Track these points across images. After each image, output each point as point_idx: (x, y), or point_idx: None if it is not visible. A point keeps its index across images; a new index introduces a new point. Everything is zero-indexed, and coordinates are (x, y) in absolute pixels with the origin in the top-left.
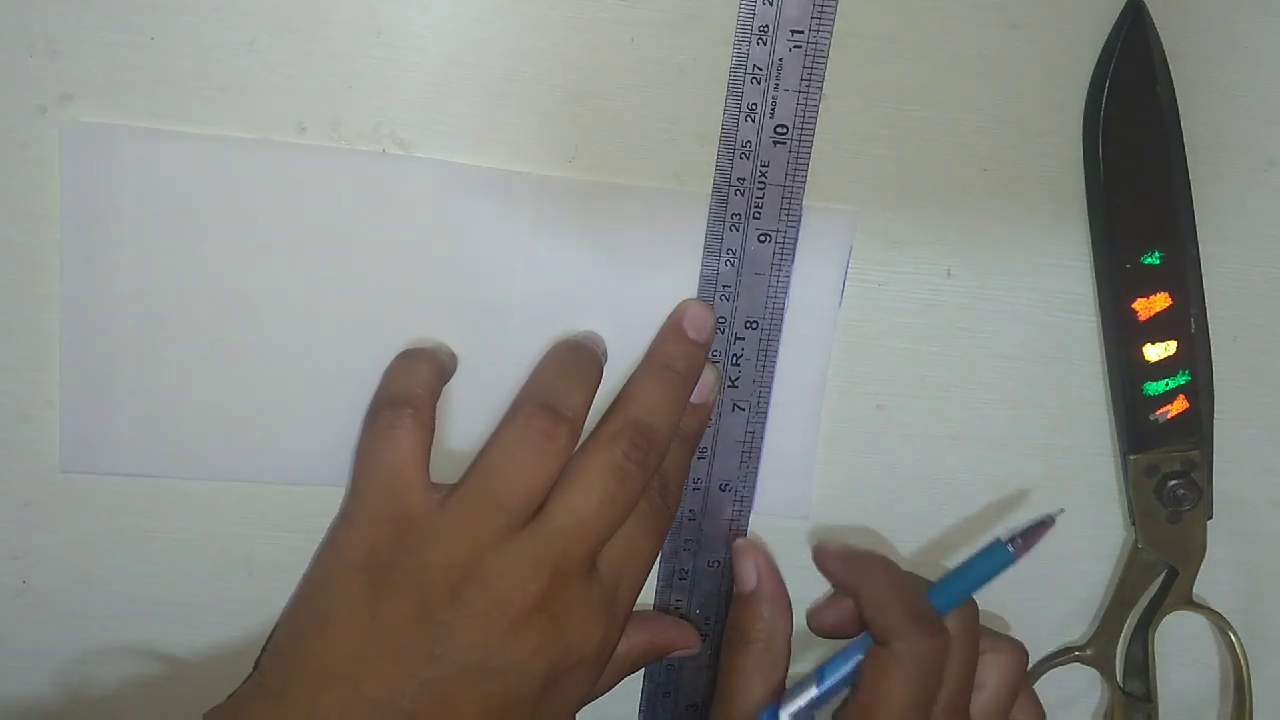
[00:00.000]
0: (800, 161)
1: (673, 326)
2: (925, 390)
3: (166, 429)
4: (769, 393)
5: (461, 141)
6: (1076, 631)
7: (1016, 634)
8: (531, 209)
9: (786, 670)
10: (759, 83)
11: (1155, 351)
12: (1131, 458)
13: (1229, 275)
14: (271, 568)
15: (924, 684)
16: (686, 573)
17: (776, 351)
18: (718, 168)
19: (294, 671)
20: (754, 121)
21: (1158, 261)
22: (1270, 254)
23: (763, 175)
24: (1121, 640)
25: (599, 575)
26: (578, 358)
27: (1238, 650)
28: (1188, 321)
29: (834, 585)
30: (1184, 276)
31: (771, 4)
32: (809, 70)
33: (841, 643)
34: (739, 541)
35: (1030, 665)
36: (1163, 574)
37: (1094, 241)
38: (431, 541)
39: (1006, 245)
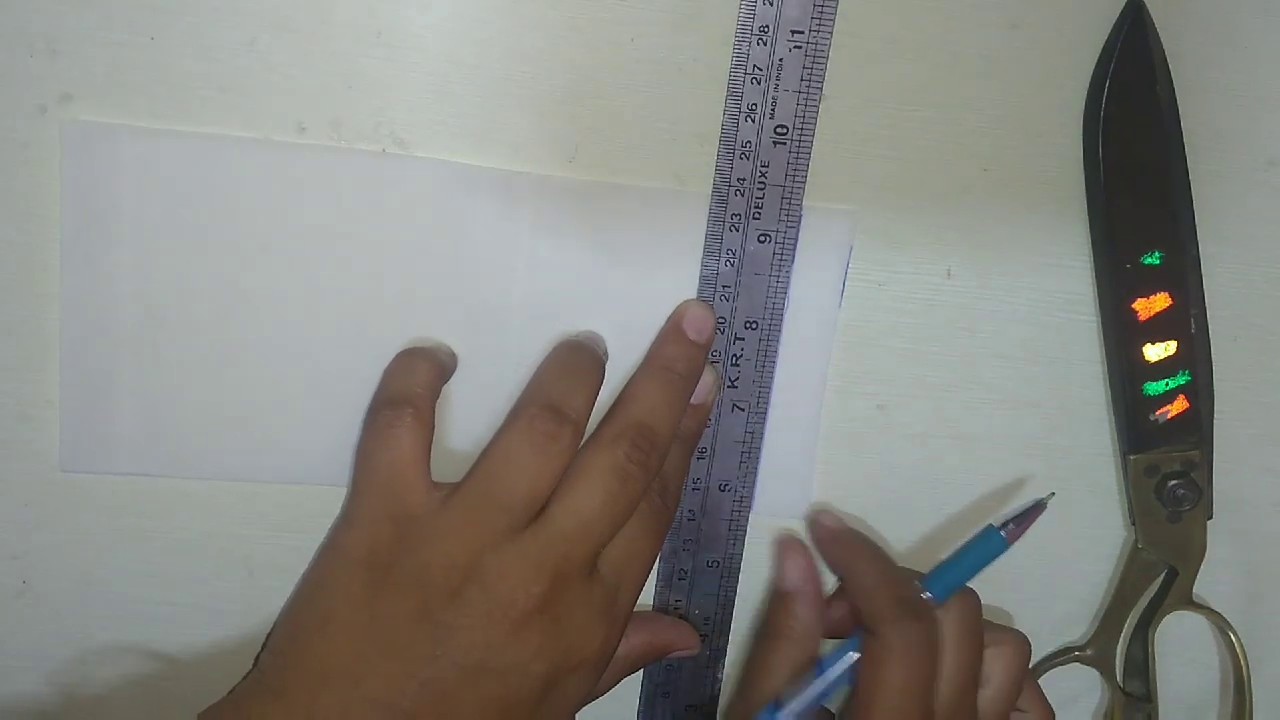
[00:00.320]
0: (800, 162)
1: (673, 328)
2: (925, 390)
3: (166, 429)
4: (769, 393)
5: (461, 141)
6: (1076, 631)
7: None
8: (531, 209)
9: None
10: (759, 83)
11: (1155, 351)
12: (1131, 458)
13: (1229, 275)
14: (271, 568)
15: (916, 669)
16: (686, 573)
17: (776, 352)
18: (718, 168)
19: (294, 670)
20: (754, 122)
21: (1158, 261)
22: (1270, 254)
23: (763, 175)
24: (1121, 640)
25: (600, 577)
26: (579, 359)
27: (1238, 650)
28: (1188, 321)
29: (825, 563)
30: (1184, 276)
31: (771, 4)
32: (809, 70)
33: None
34: (786, 538)
35: (1030, 664)
36: (1163, 574)
37: (1094, 241)
38: (433, 541)
39: (1006, 245)
